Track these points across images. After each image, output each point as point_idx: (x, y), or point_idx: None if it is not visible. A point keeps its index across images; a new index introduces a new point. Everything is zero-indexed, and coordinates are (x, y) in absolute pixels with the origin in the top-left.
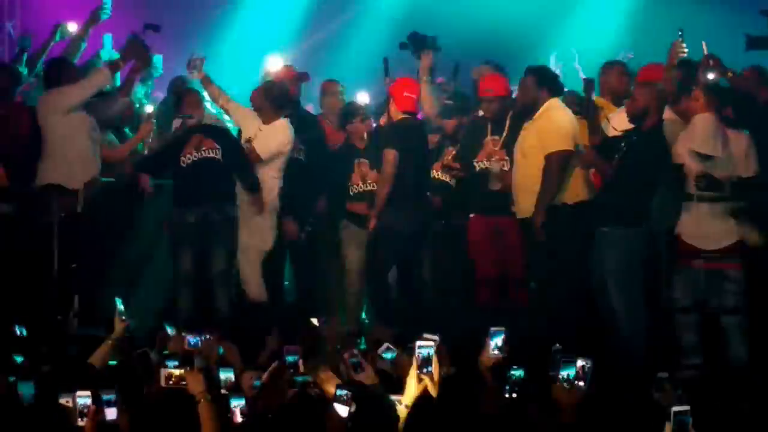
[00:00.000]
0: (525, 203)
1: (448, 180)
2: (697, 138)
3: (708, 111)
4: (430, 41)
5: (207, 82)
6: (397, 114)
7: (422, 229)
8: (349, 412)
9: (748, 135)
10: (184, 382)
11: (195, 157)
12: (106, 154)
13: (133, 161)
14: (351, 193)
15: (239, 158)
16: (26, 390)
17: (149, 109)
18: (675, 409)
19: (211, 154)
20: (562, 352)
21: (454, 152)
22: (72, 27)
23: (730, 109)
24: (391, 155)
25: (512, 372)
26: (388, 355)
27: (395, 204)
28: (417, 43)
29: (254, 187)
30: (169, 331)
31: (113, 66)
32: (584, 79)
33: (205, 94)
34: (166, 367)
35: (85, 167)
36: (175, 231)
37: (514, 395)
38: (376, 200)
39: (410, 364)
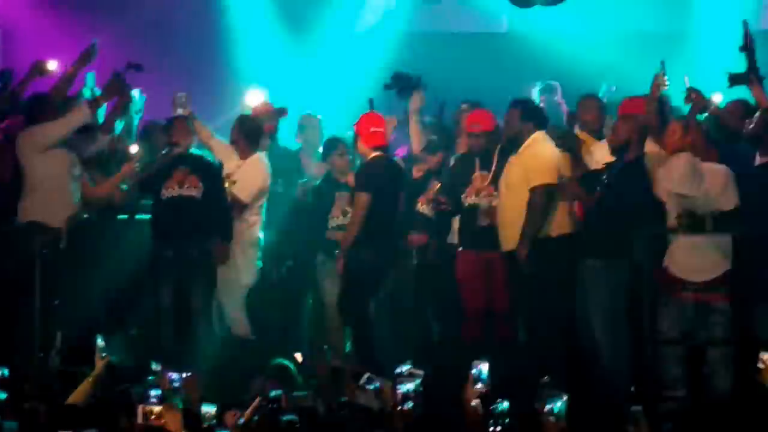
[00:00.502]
0: (510, 236)
1: (429, 214)
2: (674, 179)
3: (684, 147)
4: (414, 81)
5: (190, 117)
6: (367, 151)
7: (389, 265)
8: None
9: (725, 169)
10: (162, 419)
11: (175, 192)
12: (87, 192)
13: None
14: (330, 226)
15: (220, 202)
16: (9, 429)
17: (133, 149)
18: None
19: (192, 193)
20: (550, 386)
21: (438, 186)
22: (52, 65)
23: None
24: (362, 199)
25: (497, 405)
26: (372, 386)
27: (363, 242)
28: (401, 83)
29: (227, 236)
30: (155, 367)
31: (94, 103)
32: (567, 112)
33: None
34: (145, 403)
35: (66, 204)
36: (154, 265)
37: (499, 428)
38: (344, 241)
39: (394, 395)
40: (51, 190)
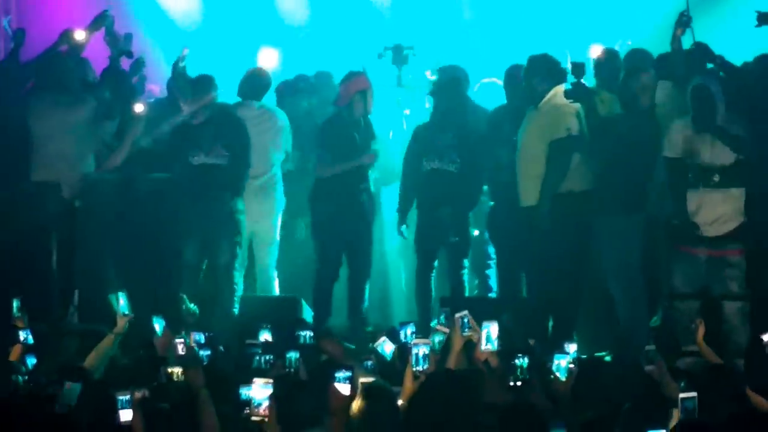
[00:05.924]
0: (529, 190)
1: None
2: None
3: None
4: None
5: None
6: None
7: None
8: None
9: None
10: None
11: (203, 160)
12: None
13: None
14: None
15: (241, 166)
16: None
17: (138, 108)
18: (682, 395)
19: (219, 161)
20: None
21: None
22: (80, 35)
23: None
24: None
25: (516, 361)
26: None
27: None
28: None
29: (237, 193)
30: (157, 326)
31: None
32: (572, 63)
33: None
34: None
35: (80, 163)
36: (181, 222)
37: (519, 383)
38: None
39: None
40: (63, 149)
